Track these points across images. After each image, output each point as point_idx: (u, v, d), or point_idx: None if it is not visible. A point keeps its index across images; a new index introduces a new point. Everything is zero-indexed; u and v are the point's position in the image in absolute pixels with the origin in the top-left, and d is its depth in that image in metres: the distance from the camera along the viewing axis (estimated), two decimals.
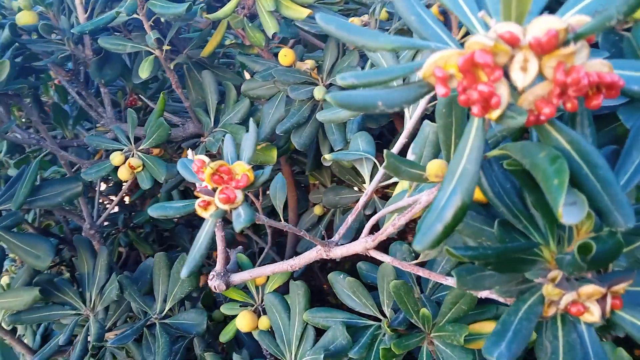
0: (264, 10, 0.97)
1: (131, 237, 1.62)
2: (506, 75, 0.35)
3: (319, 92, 1.01)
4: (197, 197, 0.56)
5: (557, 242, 0.48)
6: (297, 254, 1.41)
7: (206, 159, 0.55)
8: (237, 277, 0.84)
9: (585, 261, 0.40)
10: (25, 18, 1.10)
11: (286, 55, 1.04)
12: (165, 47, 1.20)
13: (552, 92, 0.34)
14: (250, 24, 1.06)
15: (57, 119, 1.40)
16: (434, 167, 0.53)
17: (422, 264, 0.76)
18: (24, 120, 1.44)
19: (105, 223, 1.63)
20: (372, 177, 0.84)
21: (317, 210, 1.38)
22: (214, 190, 0.54)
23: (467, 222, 0.50)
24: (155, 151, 1.45)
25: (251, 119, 0.57)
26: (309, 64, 1.05)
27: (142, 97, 1.47)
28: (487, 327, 0.77)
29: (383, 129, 1.25)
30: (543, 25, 0.32)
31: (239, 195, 0.53)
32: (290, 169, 1.48)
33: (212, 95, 1.16)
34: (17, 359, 1.06)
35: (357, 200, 1.34)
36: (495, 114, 0.35)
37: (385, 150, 0.52)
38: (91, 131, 1.52)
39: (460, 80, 0.35)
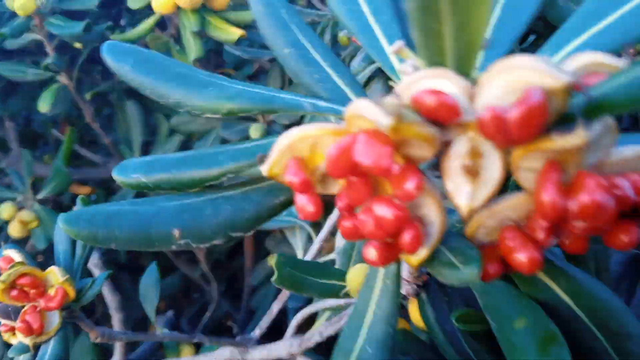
0: (187, 29, 0.79)
1: None
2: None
3: (256, 131, 0.82)
4: None
5: None
6: (250, 312, 1.21)
7: (16, 257, 0.36)
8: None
9: None
10: None
11: None
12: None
13: (535, 220, 0.15)
14: (177, 48, 0.88)
15: None
16: (356, 278, 0.34)
17: None
18: None
19: None
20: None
21: (271, 260, 1.18)
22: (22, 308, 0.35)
23: None
24: (85, 190, 1.26)
25: (80, 196, 0.38)
26: None
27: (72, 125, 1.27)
28: None
29: None
30: (513, 81, 0.14)
31: (52, 321, 0.34)
32: None
33: (137, 131, 0.97)
34: None
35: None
36: (416, 257, 0.17)
37: (274, 257, 0.33)
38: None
39: (342, 190, 0.16)
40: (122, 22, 1.19)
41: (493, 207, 0.16)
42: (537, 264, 0.16)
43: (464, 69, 0.15)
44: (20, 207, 0.85)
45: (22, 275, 0.33)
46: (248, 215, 0.18)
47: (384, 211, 0.15)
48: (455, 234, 0.17)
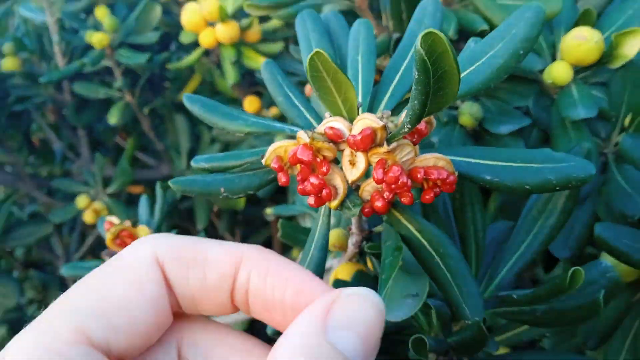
0: (226, 60, 1.00)
1: None
2: None
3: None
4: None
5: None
6: None
7: (115, 220, 0.56)
8: None
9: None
10: (9, 64, 1.14)
11: (251, 103, 1.06)
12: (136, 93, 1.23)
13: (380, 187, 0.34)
14: (218, 73, 1.09)
15: (45, 157, 1.44)
16: (332, 236, 0.53)
17: None
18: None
19: None
20: None
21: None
22: None
23: None
24: (138, 189, 1.48)
25: (158, 182, 0.58)
26: (273, 112, 1.06)
27: (129, 135, 1.50)
28: None
29: None
30: (362, 123, 0.32)
31: None
32: None
33: (184, 140, 1.18)
34: None
35: None
36: (333, 204, 0.35)
37: (280, 220, 0.52)
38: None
39: (298, 171, 0.35)
40: (172, 47, 1.41)
41: (368, 181, 0.35)
42: (384, 208, 0.34)
43: (351, 116, 0.34)
44: (92, 199, 1.06)
45: (122, 230, 0.53)
46: (256, 183, 0.37)
47: (314, 180, 0.34)
48: (354, 193, 0.36)
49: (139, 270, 0.26)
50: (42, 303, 1.51)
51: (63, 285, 1.21)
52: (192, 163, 0.38)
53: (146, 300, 0.26)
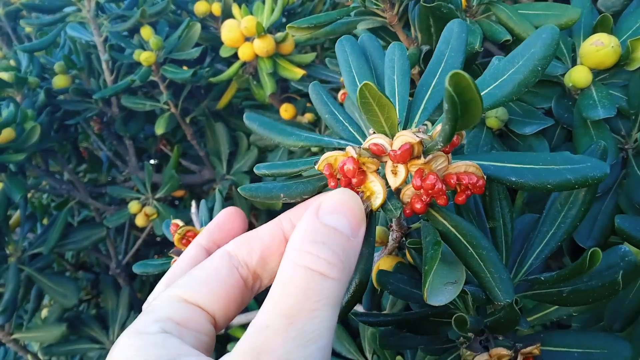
0: (263, 71, 1.06)
1: None
2: None
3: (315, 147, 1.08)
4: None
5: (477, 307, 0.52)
6: None
7: (180, 223, 0.63)
8: (235, 320, 0.91)
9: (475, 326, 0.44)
10: (60, 82, 1.24)
11: (286, 110, 1.13)
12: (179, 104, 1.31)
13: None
14: (255, 83, 1.16)
15: (92, 165, 1.54)
16: (378, 233, 0.59)
17: None
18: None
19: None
20: None
21: None
22: None
23: (399, 286, 0.55)
24: (180, 193, 1.56)
25: (217, 189, 0.65)
26: (307, 117, 1.13)
27: (170, 142, 1.59)
28: None
29: None
30: (401, 139, 0.38)
31: None
32: None
33: (224, 146, 1.26)
34: None
35: None
36: (374, 206, 0.41)
37: None
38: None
39: (342, 178, 0.41)
40: (208, 58, 1.48)
41: (408, 186, 0.41)
42: (423, 209, 0.40)
43: (392, 132, 0.40)
44: (143, 204, 1.15)
45: (188, 231, 0.60)
46: (310, 189, 0.43)
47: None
48: (395, 197, 0.42)
49: (214, 260, 0.37)
50: (95, 302, 1.61)
51: (115, 284, 1.30)
52: (255, 170, 0.45)
53: (220, 279, 0.36)
